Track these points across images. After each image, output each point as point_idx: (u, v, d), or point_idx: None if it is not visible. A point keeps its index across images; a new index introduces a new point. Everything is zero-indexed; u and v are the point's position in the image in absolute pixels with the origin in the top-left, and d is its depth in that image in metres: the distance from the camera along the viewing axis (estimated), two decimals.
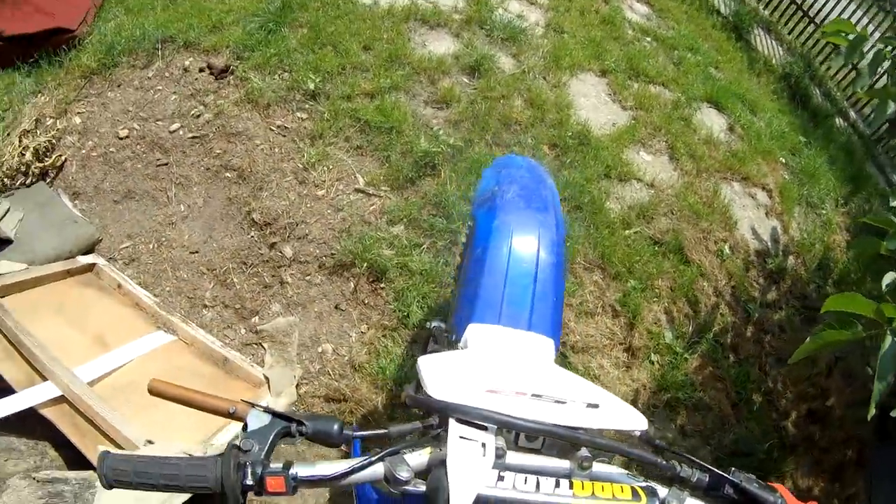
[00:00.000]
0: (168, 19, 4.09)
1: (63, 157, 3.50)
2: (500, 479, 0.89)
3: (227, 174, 3.40)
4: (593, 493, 0.89)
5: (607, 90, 4.69)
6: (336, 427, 0.95)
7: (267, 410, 0.93)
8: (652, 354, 3.34)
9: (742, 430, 3.31)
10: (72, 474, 2.10)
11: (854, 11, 7.01)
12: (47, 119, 3.57)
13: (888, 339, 1.72)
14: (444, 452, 0.91)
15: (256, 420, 0.92)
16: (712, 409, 3.29)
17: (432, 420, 1.01)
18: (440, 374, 1.06)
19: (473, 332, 1.39)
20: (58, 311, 2.77)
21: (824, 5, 7.22)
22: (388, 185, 3.44)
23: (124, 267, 3.19)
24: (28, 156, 3.34)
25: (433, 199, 3.39)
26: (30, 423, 2.32)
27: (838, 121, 6.59)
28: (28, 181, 3.36)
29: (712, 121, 4.89)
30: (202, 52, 3.89)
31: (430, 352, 1.52)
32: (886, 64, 2.69)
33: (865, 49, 2.73)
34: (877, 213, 4.50)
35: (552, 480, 0.90)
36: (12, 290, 2.73)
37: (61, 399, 2.33)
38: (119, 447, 2.16)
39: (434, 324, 1.90)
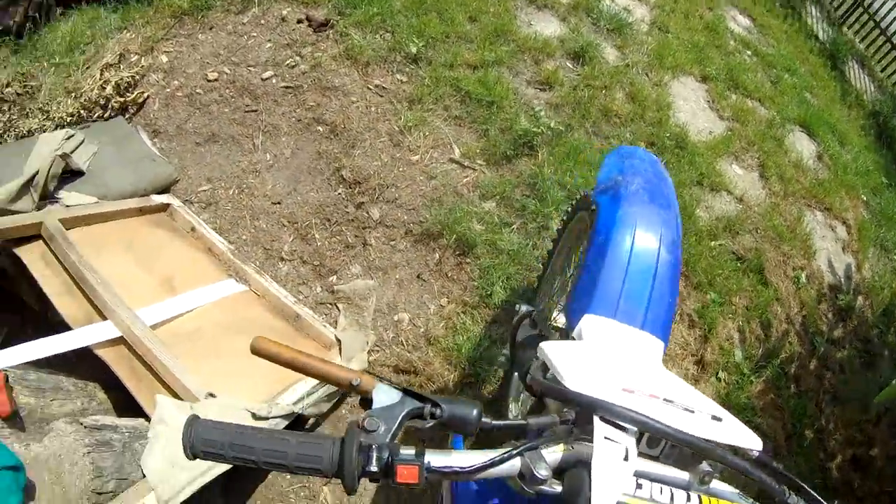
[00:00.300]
0: None
1: (146, 94, 3.38)
2: (639, 486, 0.82)
3: (319, 128, 3.26)
4: None
5: (706, 97, 4.61)
6: (475, 413, 0.84)
7: (397, 386, 0.83)
8: (720, 371, 3.22)
9: (791, 462, 3.19)
10: (122, 421, 1.97)
11: None
12: (132, 55, 3.47)
13: None
14: (580, 451, 0.82)
15: (384, 396, 0.82)
16: (768, 438, 3.15)
17: (568, 414, 0.90)
18: (574, 366, 0.97)
19: (588, 324, 1.33)
20: (126, 248, 2.66)
21: None
22: (483, 159, 3.29)
23: (200, 210, 3.07)
24: (109, 89, 3.24)
25: (528, 180, 3.24)
26: (81, 364, 2.22)
27: None
28: (106, 115, 3.25)
29: (803, 145, 4.85)
30: (301, 3, 3.77)
31: (525, 336, 1.39)
32: None
33: None
34: None
35: (683, 494, 0.83)
36: (80, 222, 2.63)
37: (120, 340, 2.21)
38: (177, 397, 2.04)
39: (523, 307, 1.79)
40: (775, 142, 4.60)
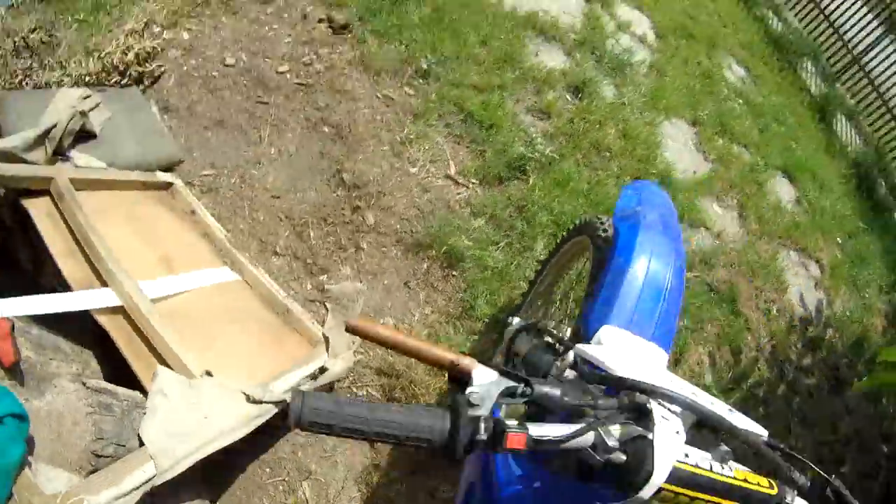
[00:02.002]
0: None
1: (163, 69, 3.46)
2: (686, 455, 0.92)
3: (325, 128, 3.40)
4: (746, 479, 0.95)
5: (695, 139, 4.84)
6: (559, 393, 0.93)
7: (494, 367, 0.93)
8: None
9: None
10: (121, 390, 2.00)
11: None
12: (155, 26, 3.55)
13: None
14: (640, 428, 0.92)
15: (483, 376, 0.92)
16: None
17: (627, 398, 1.01)
18: (619, 361, 1.09)
19: (607, 333, 1.42)
20: (128, 218, 2.69)
21: None
22: (477, 178, 3.45)
23: (201, 194, 3.15)
24: (130, 55, 3.29)
25: (518, 203, 3.40)
26: (78, 328, 2.23)
27: None
28: (123, 81, 3.30)
29: (783, 190, 5.15)
30: (325, 3, 3.90)
31: (532, 345, 1.54)
32: None
33: None
34: None
35: (718, 464, 0.95)
36: (87, 186, 2.64)
37: (119, 310, 2.20)
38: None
39: (516, 320, 1.90)
40: (756, 185, 4.87)
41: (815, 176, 5.54)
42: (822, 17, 8.21)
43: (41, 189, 2.48)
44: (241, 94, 3.48)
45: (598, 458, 0.89)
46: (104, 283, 2.27)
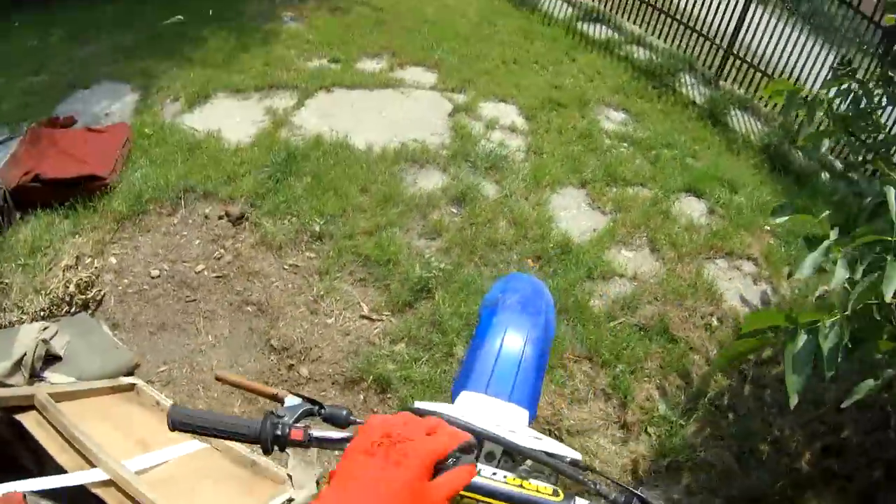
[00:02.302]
0: (188, 170, 4.81)
1: (102, 292, 4.06)
2: (480, 471, 1.15)
3: (248, 308, 3.99)
4: (538, 489, 1.14)
5: (586, 199, 5.22)
6: (344, 413, 1.32)
7: (299, 395, 1.33)
8: (648, 427, 3.65)
9: (752, 479, 3.50)
10: None
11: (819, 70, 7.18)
12: (86, 258, 4.16)
13: (802, 337, 1.93)
14: None
15: (291, 401, 1.31)
16: (715, 466, 3.50)
17: None
18: (443, 406, 1.40)
19: (465, 398, 1.71)
20: (104, 417, 3.22)
21: (795, 69, 7.40)
22: (388, 309, 4.01)
23: (161, 388, 3.66)
24: (71, 288, 3.90)
25: (430, 319, 3.92)
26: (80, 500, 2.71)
27: (824, 175, 6.72)
28: (72, 310, 3.90)
29: (692, 207, 5.34)
30: (220, 200, 4.58)
31: None
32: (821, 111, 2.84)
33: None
34: None
35: (514, 477, 1.16)
36: (64, 397, 3.16)
37: (110, 482, 2.67)
38: None
39: None
40: (662, 215, 5.11)
41: (721, 180, 5.69)
42: (681, 26, 8.23)
43: (27, 405, 3.02)
44: (171, 298, 4.08)
45: None
46: (93, 465, 2.76)
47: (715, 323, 4.26)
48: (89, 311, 3.97)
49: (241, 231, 4.39)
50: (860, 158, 4.78)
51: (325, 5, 8.37)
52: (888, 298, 1.80)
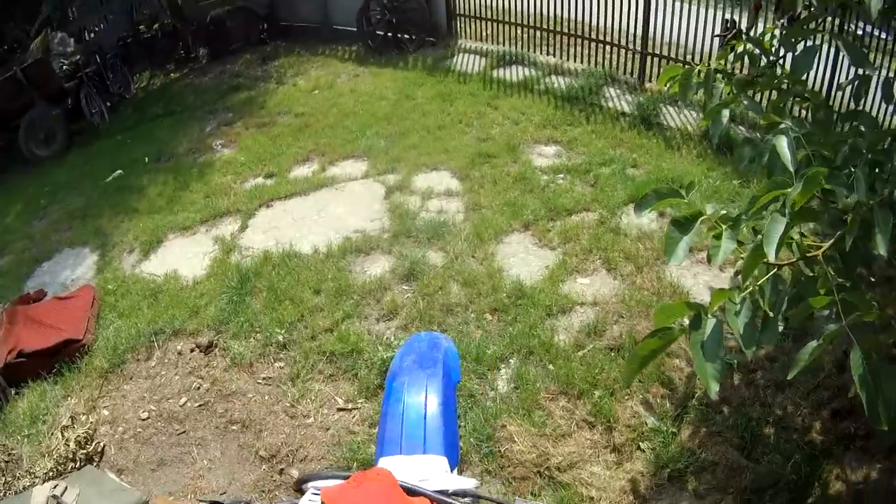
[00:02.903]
0: (155, 314, 5.18)
1: (102, 444, 4.35)
2: None
3: (233, 427, 4.29)
4: None
5: (532, 240, 5.49)
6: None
7: (214, 501, 1.65)
8: (640, 443, 3.72)
9: (763, 466, 3.50)
10: None
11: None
12: (81, 415, 4.47)
13: (708, 322, 1.85)
14: None
15: None
16: (719, 464, 3.53)
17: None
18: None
19: (382, 463, 1.80)
20: None
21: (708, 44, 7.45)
22: (362, 397, 4.29)
23: None
24: (72, 445, 4.19)
25: None
26: None
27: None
28: (78, 465, 4.17)
29: (642, 217, 5.36)
30: (188, 335, 4.95)
31: None
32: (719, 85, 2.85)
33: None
34: None
35: None
36: None
37: None
38: None
39: None
40: (611, 233, 5.32)
41: (667, 181, 5.83)
42: (593, 43, 8.54)
43: None
44: (164, 434, 4.37)
45: None
46: None
47: (687, 322, 4.42)
48: (94, 464, 4.26)
49: (213, 358, 4.73)
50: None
51: (251, 123, 8.88)
52: (771, 259, 1.82)
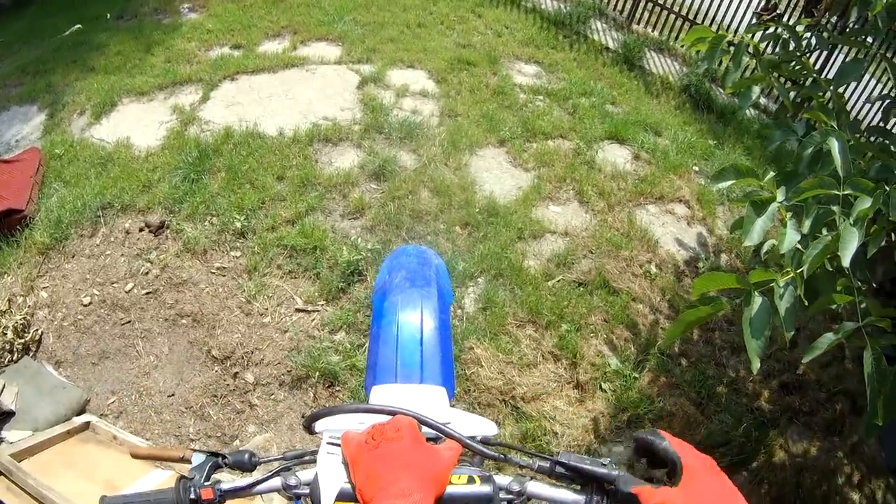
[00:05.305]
0: (103, 186, 4.52)
1: (39, 331, 3.84)
2: None
3: (183, 320, 3.81)
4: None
5: (507, 158, 5.15)
6: (247, 457, 1.29)
7: (203, 451, 1.27)
8: (602, 384, 3.62)
9: (714, 424, 3.56)
10: None
11: (737, 9, 7.18)
12: (18, 298, 3.92)
13: (756, 300, 1.87)
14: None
15: (196, 458, 1.26)
16: (675, 415, 3.53)
17: (316, 448, 1.32)
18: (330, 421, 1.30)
19: (376, 393, 1.62)
20: (67, 466, 3.12)
21: (712, 8, 7.45)
22: (323, 298, 3.86)
23: (114, 420, 3.52)
24: (9, 334, 3.68)
25: (365, 302, 3.80)
26: None
27: (748, 111, 6.87)
28: (14, 357, 3.69)
29: (616, 155, 5.34)
30: (138, 212, 4.33)
31: None
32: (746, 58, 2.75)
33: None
34: None
35: None
36: (25, 454, 3.07)
37: None
38: None
39: None
40: (586, 166, 5.08)
41: (644, 124, 5.75)
42: None
43: None
44: (107, 323, 3.87)
45: (289, 494, 1.22)
46: None
47: (654, 270, 4.31)
48: (31, 354, 3.78)
49: (163, 241, 4.17)
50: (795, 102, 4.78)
51: None
52: (845, 263, 1.77)
